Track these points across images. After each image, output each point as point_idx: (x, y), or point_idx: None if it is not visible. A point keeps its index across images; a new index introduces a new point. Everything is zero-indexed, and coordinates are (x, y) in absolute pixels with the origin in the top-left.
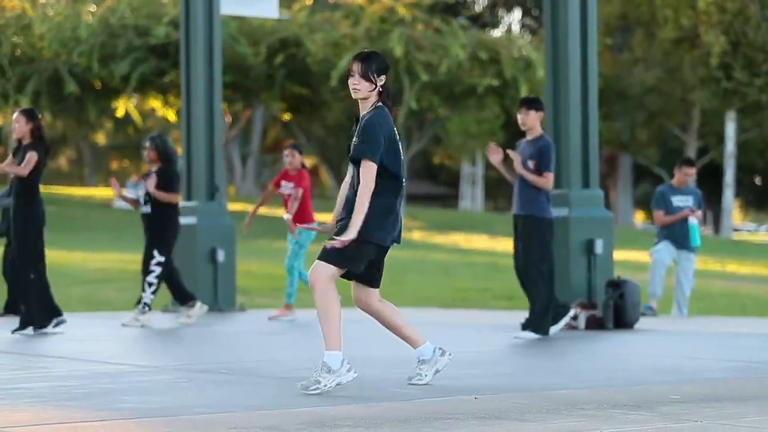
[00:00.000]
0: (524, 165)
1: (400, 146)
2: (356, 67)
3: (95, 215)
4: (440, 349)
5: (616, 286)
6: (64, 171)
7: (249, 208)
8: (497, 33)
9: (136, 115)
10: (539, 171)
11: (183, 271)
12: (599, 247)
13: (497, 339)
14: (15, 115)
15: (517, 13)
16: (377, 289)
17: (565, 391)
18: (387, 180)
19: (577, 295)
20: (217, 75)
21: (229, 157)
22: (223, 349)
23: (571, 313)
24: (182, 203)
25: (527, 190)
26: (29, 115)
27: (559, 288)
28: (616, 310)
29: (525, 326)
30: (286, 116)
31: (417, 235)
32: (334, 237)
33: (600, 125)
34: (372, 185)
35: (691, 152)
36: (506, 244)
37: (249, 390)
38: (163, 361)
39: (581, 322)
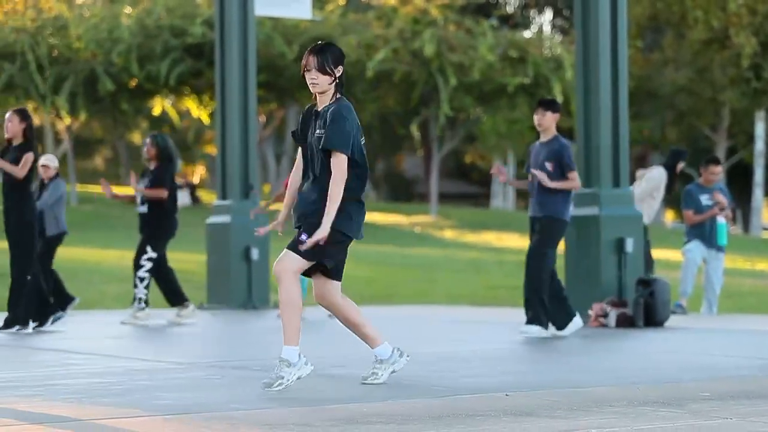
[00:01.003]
0: (542, 167)
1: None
2: (312, 61)
3: (130, 213)
4: (398, 350)
5: (647, 284)
6: (100, 170)
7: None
8: (528, 33)
9: (173, 114)
10: (560, 172)
11: (217, 269)
12: (629, 245)
13: (528, 337)
14: (8, 115)
15: (548, 14)
16: (340, 283)
17: (596, 388)
18: (356, 172)
19: (608, 293)
20: (251, 75)
21: (263, 156)
22: (257, 346)
23: (577, 320)
24: (217, 202)
25: (546, 192)
26: (22, 114)
27: (589, 286)
28: (647, 308)
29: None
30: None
31: (449, 234)
32: (301, 232)
33: (630, 125)
34: (345, 177)
35: (720, 152)
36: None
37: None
38: (197, 358)
39: (612, 320)
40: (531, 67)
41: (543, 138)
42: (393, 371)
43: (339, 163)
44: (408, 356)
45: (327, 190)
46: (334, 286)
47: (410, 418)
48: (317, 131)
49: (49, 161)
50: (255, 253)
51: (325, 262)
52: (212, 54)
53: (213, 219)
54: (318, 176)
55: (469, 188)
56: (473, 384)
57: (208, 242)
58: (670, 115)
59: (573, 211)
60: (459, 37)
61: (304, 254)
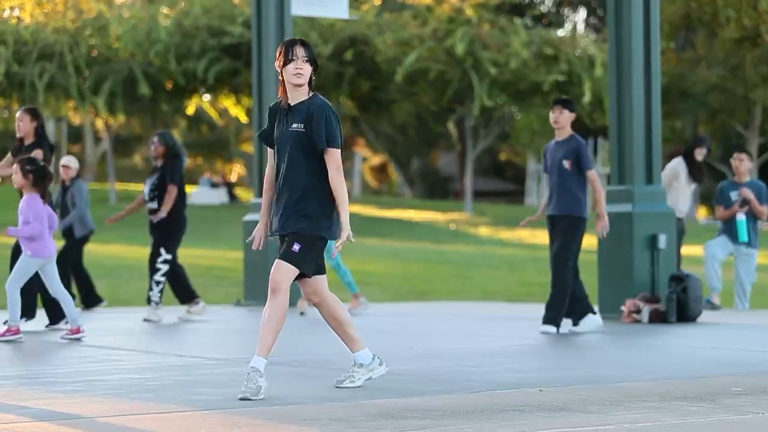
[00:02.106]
0: (559, 166)
1: None
2: (301, 52)
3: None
4: (378, 358)
5: (679, 280)
6: (139, 168)
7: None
8: (562, 32)
9: (212, 112)
10: (578, 170)
11: (254, 266)
12: (662, 241)
13: (561, 332)
14: (18, 114)
15: (582, 13)
16: (325, 275)
17: (629, 383)
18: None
19: (641, 289)
20: None
21: None
22: (294, 341)
23: (597, 317)
24: (254, 200)
25: (568, 191)
26: (33, 113)
27: (622, 282)
28: (679, 303)
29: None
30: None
31: (483, 231)
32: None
33: (663, 122)
34: (342, 170)
35: (752, 149)
36: None
37: (320, 382)
38: (234, 354)
39: (645, 315)
40: (564, 64)
41: (559, 137)
42: (369, 377)
43: (337, 158)
44: (387, 368)
45: (308, 190)
46: (324, 279)
47: (445, 413)
48: (293, 125)
49: (70, 162)
50: None
51: (307, 270)
52: (249, 54)
53: (250, 217)
54: (293, 176)
55: (503, 185)
56: (507, 379)
57: (245, 239)
58: (702, 112)
59: (606, 208)
60: (493, 35)
61: (297, 263)
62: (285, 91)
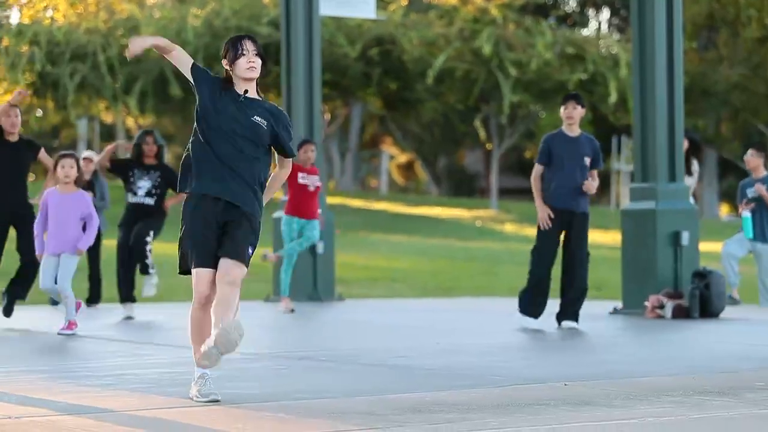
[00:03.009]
0: (583, 162)
1: None
2: (251, 47)
3: None
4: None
5: (702, 276)
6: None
7: (348, 201)
8: (586, 32)
9: None
10: (593, 168)
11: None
12: (685, 238)
13: (586, 327)
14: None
15: (605, 13)
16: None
17: (653, 378)
18: None
19: (664, 285)
20: (316, 74)
21: (328, 152)
22: (322, 337)
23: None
24: (283, 197)
25: (581, 187)
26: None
27: (646, 278)
28: (702, 299)
29: (565, 319)
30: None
31: (509, 228)
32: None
33: (686, 121)
34: None
35: None
36: (594, 236)
37: (347, 377)
38: (264, 349)
39: (668, 311)
40: (589, 64)
41: (570, 132)
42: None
43: (288, 166)
44: (215, 399)
45: (252, 186)
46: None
47: (471, 407)
48: (255, 117)
49: (93, 155)
50: (320, 247)
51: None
52: (278, 53)
53: (279, 214)
54: (241, 169)
55: (528, 183)
56: (533, 374)
57: (274, 236)
58: (724, 111)
59: (629, 205)
60: (518, 35)
61: (246, 263)
62: (230, 80)
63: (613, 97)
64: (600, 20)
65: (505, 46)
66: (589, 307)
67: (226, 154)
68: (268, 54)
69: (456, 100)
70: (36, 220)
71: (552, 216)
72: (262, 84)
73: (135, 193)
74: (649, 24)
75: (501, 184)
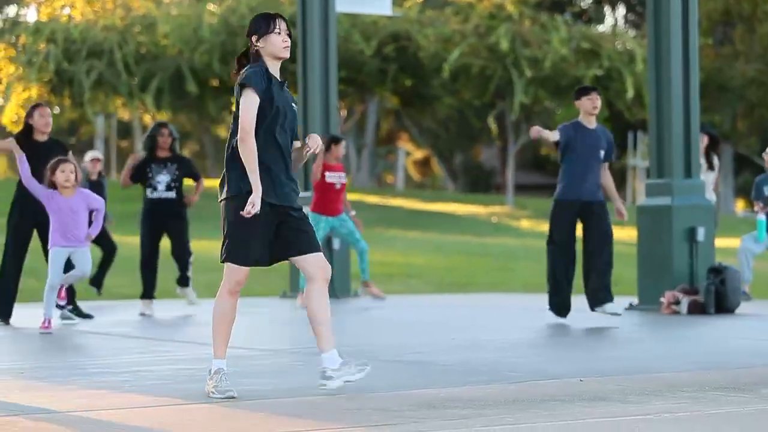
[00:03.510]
0: (597, 154)
1: None
2: (284, 26)
3: (217, 205)
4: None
5: (718, 272)
6: None
7: (364, 197)
8: (602, 28)
9: None
10: (606, 161)
11: None
12: (701, 234)
13: (601, 323)
14: (42, 110)
15: (621, 9)
16: None
17: (668, 373)
18: None
19: (680, 281)
20: (332, 71)
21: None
22: (337, 333)
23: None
24: (300, 194)
25: (597, 178)
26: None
27: (661, 274)
28: (718, 295)
29: (600, 302)
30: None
31: (525, 224)
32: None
33: (702, 117)
34: None
35: None
36: None
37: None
38: (280, 345)
39: (684, 307)
40: (605, 60)
41: (589, 124)
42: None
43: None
44: (231, 396)
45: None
46: None
47: (486, 403)
48: (292, 103)
49: (100, 155)
50: (336, 243)
51: None
52: (294, 50)
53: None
54: (286, 150)
55: (544, 179)
56: (548, 369)
57: None
58: (740, 107)
59: (645, 201)
60: (534, 31)
61: None
62: (262, 62)
63: (629, 93)
64: (616, 16)
65: (521, 42)
66: None
67: (275, 136)
68: None
69: (472, 96)
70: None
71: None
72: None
73: (155, 189)
74: (665, 19)
75: (517, 180)
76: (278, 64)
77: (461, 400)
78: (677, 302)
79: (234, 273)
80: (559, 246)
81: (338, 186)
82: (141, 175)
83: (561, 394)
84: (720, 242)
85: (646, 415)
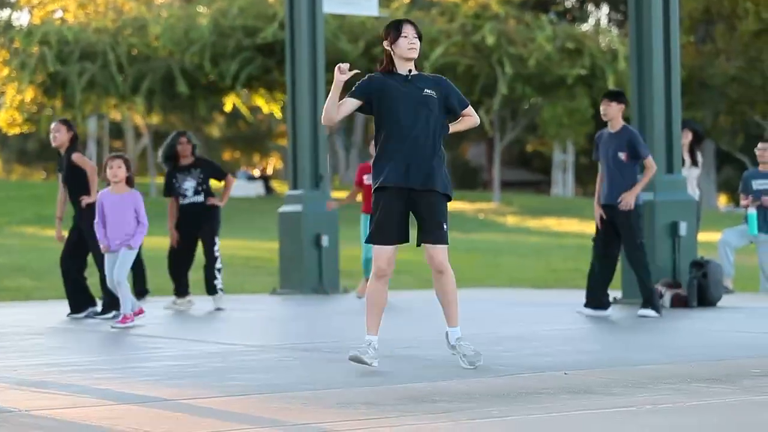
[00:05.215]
0: (615, 157)
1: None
2: (412, 30)
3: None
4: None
5: (700, 266)
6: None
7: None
8: (586, 27)
9: (245, 110)
10: (635, 160)
11: (289, 256)
12: (683, 229)
13: (587, 317)
14: (54, 125)
15: (604, 8)
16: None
17: (651, 366)
18: None
19: (663, 275)
20: (320, 71)
21: (333, 147)
22: (327, 329)
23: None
24: (289, 192)
25: (620, 180)
26: (68, 125)
27: None
28: (700, 288)
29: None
30: None
31: (511, 220)
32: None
33: (684, 114)
34: None
35: None
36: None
37: (351, 368)
38: (271, 341)
39: (667, 300)
40: (587, 58)
41: (611, 129)
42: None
43: (473, 113)
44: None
45: (437, 150)
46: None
47: (472, 396)
48: (426, 91)
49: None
50: (325, 240)
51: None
52: (282, 52)
53: (285, 208)
54: (423, 135)
55: (530, 176)
56: (533, 363)
57: (280, 230)
58: (722, 104)
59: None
60: (519, 30)
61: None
62: (388, 65)
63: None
64: (599, 15)
65: (506, 40)
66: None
67: (400, 124)
68: (273, 53)
69: None
70: (95, 221)
71: (602, 215)
72: (269, 81)
73: (185, 196)
74: (647, 18)
75: (503, 177)
76: (408, 63)
77: (447, 394)
78: (660, 296)
79: (377, 256)
80: (594, 247)
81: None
82: (170, 188)
83: (546, 387)
84: (702, 237)
85: (629, 407)
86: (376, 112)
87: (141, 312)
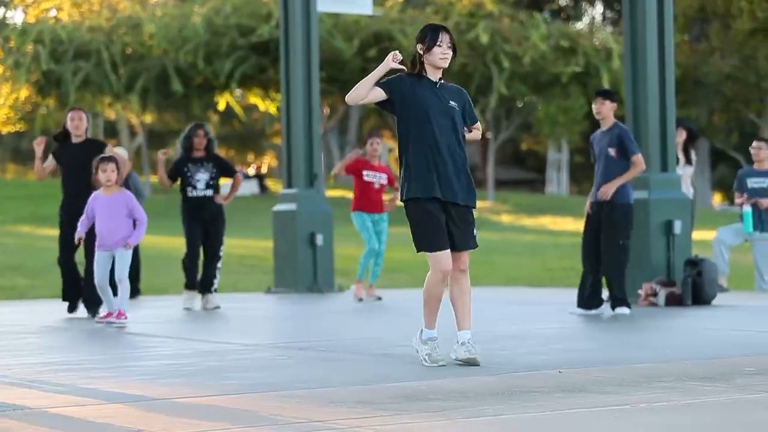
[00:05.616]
0: (606, 154)
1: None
2: (447, 40)
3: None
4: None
5: (694, 264)
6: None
7: (347, 194)
8: (580, 25)
9: (238, 110)
10: (624, 157)
11: (284, 254)
12: (677, 227)
13: (581, 315)
14: (76, 113)
15: (599, 7)
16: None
17: (645, 364)
18: None
19: (657, 274)
20: (314, 70)
21: (327, 146)
22: (321, 327)
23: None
24: (283, 190)
25: (610, 177)
26: (86, 113)
27: (639, 267)
28: (694, 287)
29: (613, 305)
30: None
31: (506, 218)
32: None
33: (678, 112)
34: None
35: (765, 136)
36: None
37: (346, 366)
38: (265, 340)
39: (661, 299)
40: (582, 56)
41: (603, 127)
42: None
43: (480, 128)
44: (443, 364)
45: (465, 162)
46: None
47: (467, 395)
48: (451, 102)
49: (125, 153)
50: (320, 239)
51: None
52: (277, 51)
53: (279, 207)
54: (452, 145)
55: (524, 174)
56: (528, 361)
57: (274, 229)
58: (716, 102)
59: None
60: (513, 28)
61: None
62: (421, 68)
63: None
64: (594, 14)
65: (501, 38)
66: None
67: (426, 132)
68: (268, 51)
69: None
70: (80, 219)
71: (588, 210)
72: (263, 80)
73: (195, 187)
74: (641, 16)
75: (497, 176)
76: (438, 71)
77: (442, 393)
78: (655, 294)
79: (440, 261)
80: (582, 245)
81: (377, 186)
82: (179, 174)
83: (540, 385)
84: (697, 235)
85: (623, 405)
86: (401, 115)
87: (123, 315)
